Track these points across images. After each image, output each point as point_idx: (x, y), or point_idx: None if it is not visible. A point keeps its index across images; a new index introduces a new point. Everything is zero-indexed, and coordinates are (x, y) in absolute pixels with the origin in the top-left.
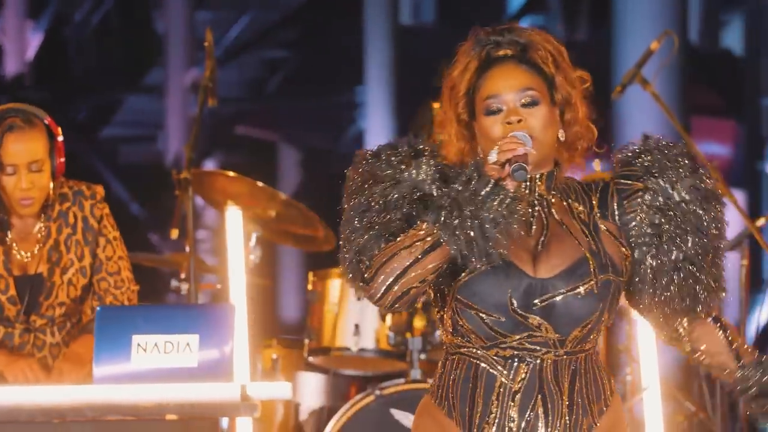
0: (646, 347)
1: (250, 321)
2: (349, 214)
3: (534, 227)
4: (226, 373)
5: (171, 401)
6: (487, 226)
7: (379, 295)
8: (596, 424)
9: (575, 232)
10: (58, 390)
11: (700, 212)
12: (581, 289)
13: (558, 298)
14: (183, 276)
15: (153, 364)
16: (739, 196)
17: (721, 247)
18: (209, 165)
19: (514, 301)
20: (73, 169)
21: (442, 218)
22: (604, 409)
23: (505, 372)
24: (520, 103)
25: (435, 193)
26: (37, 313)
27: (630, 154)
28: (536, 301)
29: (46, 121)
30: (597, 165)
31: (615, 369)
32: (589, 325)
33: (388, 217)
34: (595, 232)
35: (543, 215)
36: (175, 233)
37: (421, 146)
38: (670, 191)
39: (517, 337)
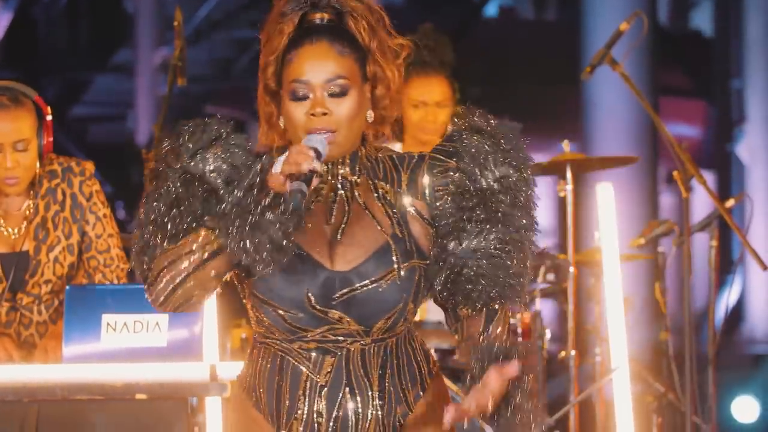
0: (615, 328)
1: (219, 301)
2: (143, 205)
3: (334, 215)
4: (195, 352)
5: (140, 381)
6: (267, 236)
7: (160, 301)
8: (411, 411)
9: (378, 216)
10: (29, 369)
11: (507, 204)
12: (383, 281)
13: (358, 292)
14: None
15: (123, 344)
16: (709, 177)
17: (525, 242)
18: None
19: (312, 297)
20: None
21: (224, 226)
22: (421, 393)
23: (310, 365)
24: (329, 92)
25: (221, 190)
26: (23, 291)
27: (457, 129)
28: (335, 295)
29: (35, 99)
30: (566, 146)
31: (584, 349)
32: (394, 315)
33: (175, 214)
34: (400, 214)
35: (345, 200)
36: None
37: (220, 130)
38: (479, 176)
39: (318, 331)
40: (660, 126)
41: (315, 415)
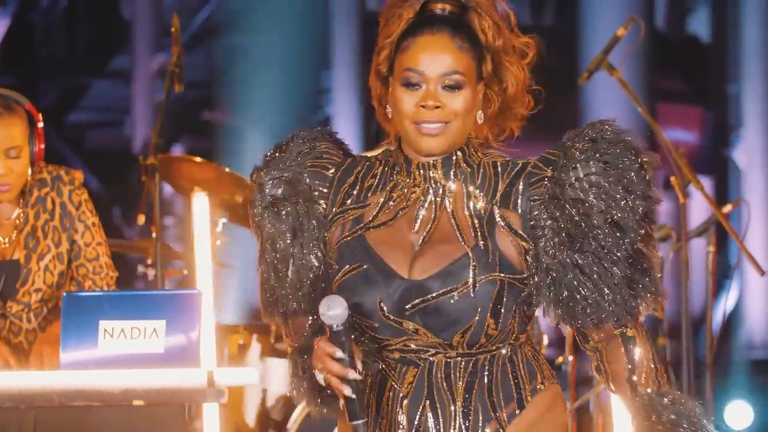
0: None
1: (216, 307)
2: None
3: (419, 222)
4: (192, 358)
5: (138, 387)
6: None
7: None
8: (504, 429)
9: (463, 227)
10: (26, 376)
11: (602, 217)
12: (455, 292)
13: (431, 302)
14: (149, 262)
15: (120, 350)
16: (706, 182)
17: (642, 251)
18: (176, 150)
19: (384, 307)
20: None
21: (294, 375)
22: (517, 411)
23: (394, 375)
24: (443, 84)
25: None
26: (14, 300)
27: (570, 138)
28: (408, 305)
29: (27, 107)
30: None
31: (581, 355)
32: (471, 329)
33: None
34: (488, 225)
35: (434, 207)
36: (141, 219)
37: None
38: (570, 185)
39: (398, 340)
40: (657, 131)
41: (396, 426)
